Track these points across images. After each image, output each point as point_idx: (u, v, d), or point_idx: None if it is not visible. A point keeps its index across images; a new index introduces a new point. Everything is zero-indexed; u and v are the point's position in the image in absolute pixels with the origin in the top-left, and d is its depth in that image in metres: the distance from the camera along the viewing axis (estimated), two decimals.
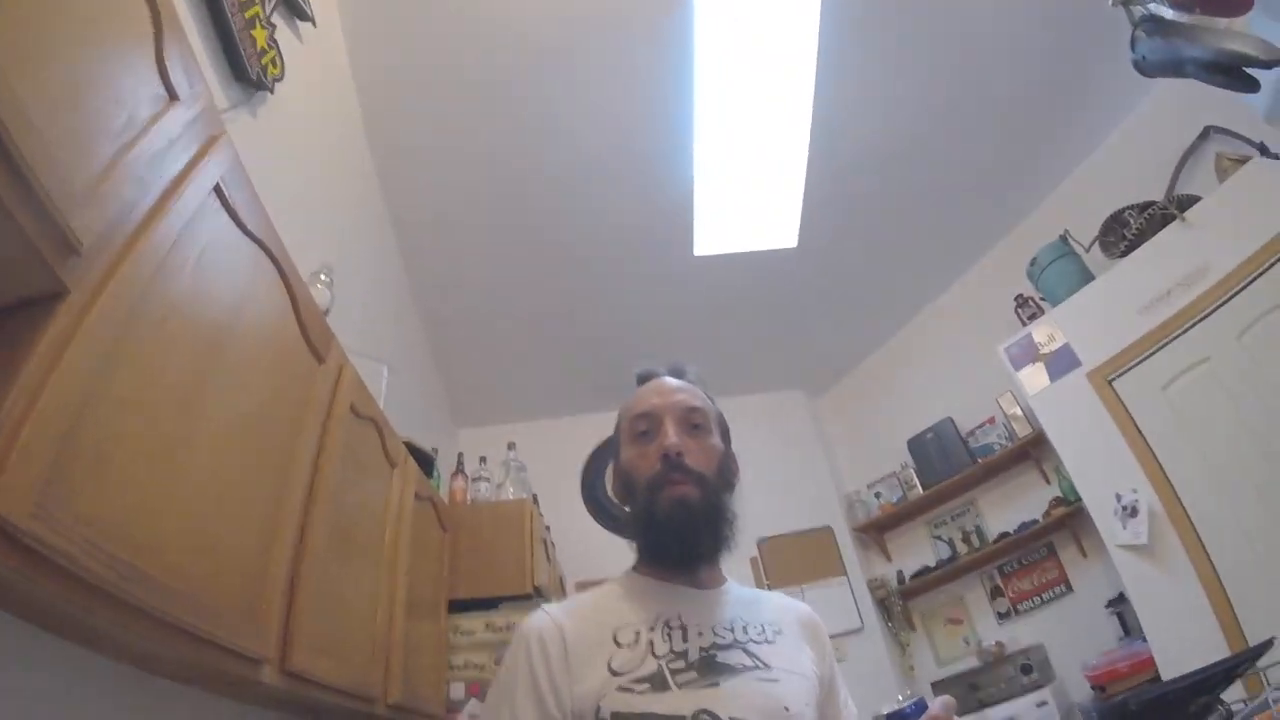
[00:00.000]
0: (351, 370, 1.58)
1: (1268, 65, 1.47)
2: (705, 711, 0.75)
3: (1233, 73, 1.54)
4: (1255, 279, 2.39)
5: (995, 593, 3.43)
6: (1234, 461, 2.36)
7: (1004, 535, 3.34)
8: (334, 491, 1.38)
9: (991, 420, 3.50)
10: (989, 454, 3.45)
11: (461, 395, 3.92)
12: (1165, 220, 2.68)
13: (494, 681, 0.85)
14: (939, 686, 3.23)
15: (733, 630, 0.86)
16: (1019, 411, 3.34)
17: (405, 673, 1.74)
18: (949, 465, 3.57)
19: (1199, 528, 2.38)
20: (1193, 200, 2.66)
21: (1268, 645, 1.44)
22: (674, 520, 0.86)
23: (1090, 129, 3.20)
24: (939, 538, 3.68)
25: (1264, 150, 2.49)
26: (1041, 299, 3.11)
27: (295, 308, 1.29)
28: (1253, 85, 1.58)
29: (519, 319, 3.59)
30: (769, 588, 3.39)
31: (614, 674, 0.77)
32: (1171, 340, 2.55)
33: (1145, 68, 1.71)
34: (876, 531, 3.94)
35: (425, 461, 2.28)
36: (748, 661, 0.83)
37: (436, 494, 2.35)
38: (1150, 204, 2.78)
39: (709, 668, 0.80)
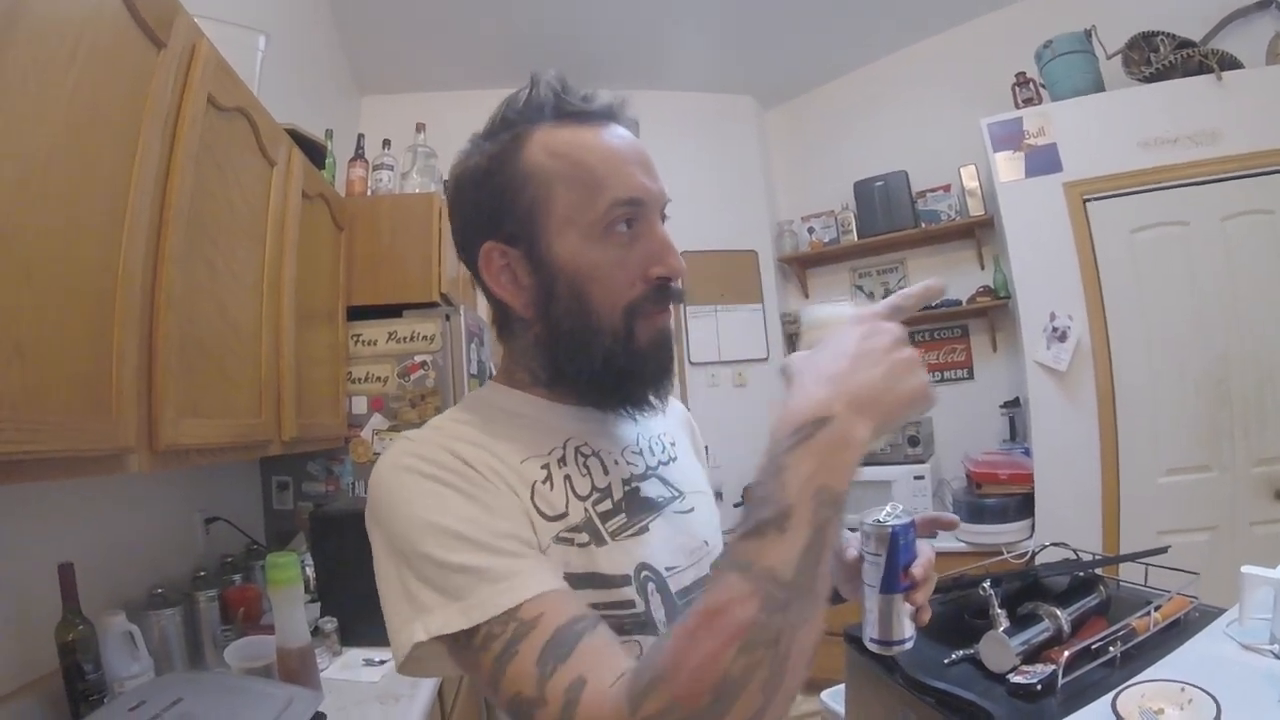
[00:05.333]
0: (209, 50, 1.20)
1: None
2: (645, 566, 0.64)
3: None
4: (1261, 173, 2.32)
5: None
6: (1170, 331, 2.43)
7: (924, 305, 3.36)
8: (190, 217, 1.14)
9: (947, 188, 3.33)
10: (934, 220, 3.35)
11: (366, 60, 3.28)
12: (1201, 68, 2.44)
13: (383, 550, 0.59)
14: None
15: (641, 453, 0.73)
16: (977, 188, 3.16)
17: (300, 402, 1.66)
18: (891, 219, 3.45)
19: (1116, 376, 2.48)
20: (1234, 63, 2.42)
21: (1161, 550, 1.45)
22: (651, 361, 0.67)
23: None
24: (860, 288, 3.70)
25: None
26: (1043, 86, 2.78)
27: None
28: None
29: None
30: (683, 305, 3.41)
31: (546, 518, 0.61)
32: (1160, 188, 2.46)
33: None
34: (800, 266, 3.89)
35: (315, 152, 1.99)
36: (665, 492, 0.71)
37: (330, 188, 2.09)
38: (1190, 43, 2.49)
39: (636, 506, 0.67)
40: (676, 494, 0.72)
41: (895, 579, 0.62)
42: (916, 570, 0.63)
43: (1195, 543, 2.28)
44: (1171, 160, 2.42)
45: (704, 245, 3.68)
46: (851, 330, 0.57)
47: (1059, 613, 1.22)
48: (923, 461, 3.03)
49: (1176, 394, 2.42)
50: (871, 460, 3.15)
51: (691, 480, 0.77)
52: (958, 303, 3.24)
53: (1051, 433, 2.56)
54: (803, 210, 3.86)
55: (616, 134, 0.66)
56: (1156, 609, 1.21)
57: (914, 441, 3.05)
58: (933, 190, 3.38)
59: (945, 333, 3.42)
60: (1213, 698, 0.96)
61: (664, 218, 0.68)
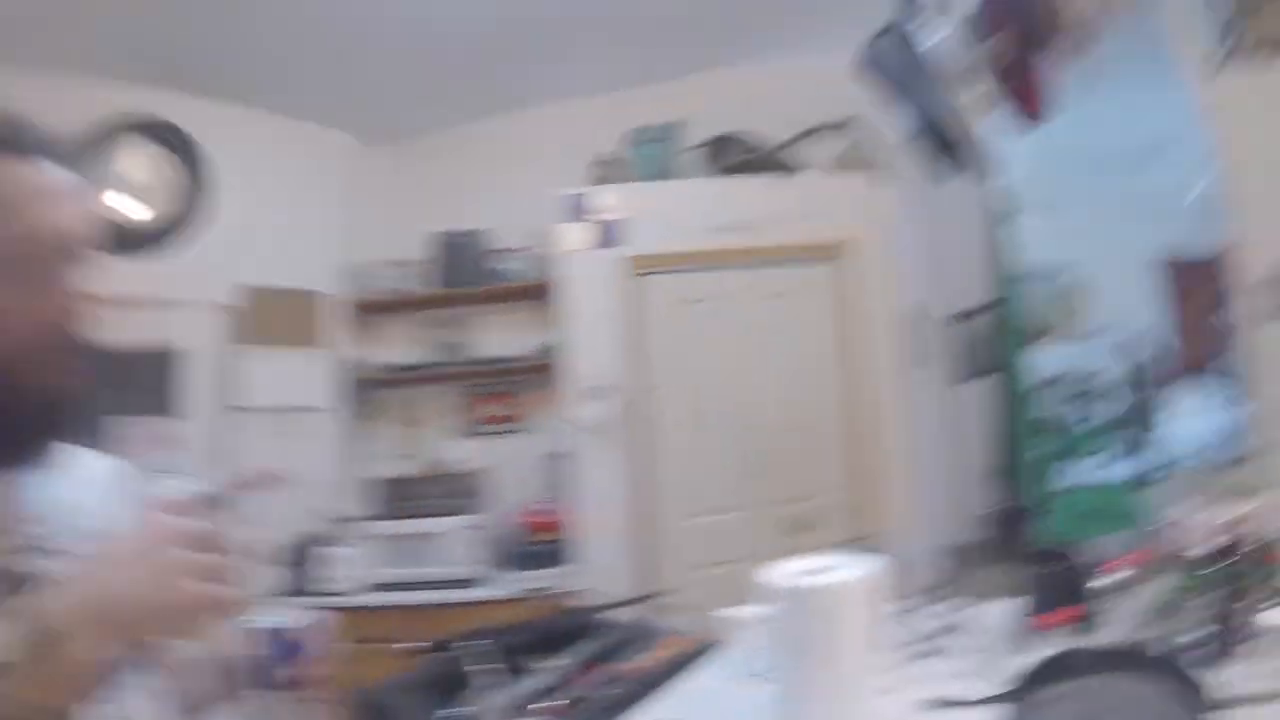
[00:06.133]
0: None
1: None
2: None
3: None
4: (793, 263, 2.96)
5: (463, 409, 3.58)
6: (708, 391, 2.87)
7: (492, 360, 3.46)
8: None
9: (522, 250, 3.48)
10: (505, 280, 3.47)
11: None
12: (775, 167, 2.96)
13: None
14: (378, 485, 3.35)
15: (41, 520, 0.60)
16: (549, 254, 3.32)
17: None
18: (466, 274, 3.48)
19: (656, 431, 2.84)
20: (802, 167, 3.01)
21: (662, 594, 1.61)
22: (43, 415, 0.59)
23: (760, 46, 3.14)
24: (428, 341, 3.64)
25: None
26: (626, 166, 3.13)
27: None
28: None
29: None
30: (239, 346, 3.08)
31: None
32: (722, 269, 2.92)
33: (874, 69, 1.55)
34: (368, 312, 3.68)
35: None
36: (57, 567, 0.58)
37: None
38: (767, 147, 3.01)
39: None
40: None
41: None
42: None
43: (718, 576, 2.60)
44: (725, 244, 2.87)
45: (266, 280, 3.31)
46: (140, 526, 0.53)
47: (560, 661, 1.24)
48: (477, 512, 3.06)
49: (711, 445, 2.84)
50: (422, 511, 3.08)
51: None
52: (521, 359, 3.37)
53: (594, 482, 2.79)
54: (379, 254, 3.68)
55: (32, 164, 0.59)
56: (656, 648, 1.30)
57: (467, 492, 3.09)
58: (510, 250, 3.51)
59: (506, 387, 3.53)
60: None
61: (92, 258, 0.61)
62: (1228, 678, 0.98)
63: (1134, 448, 6.50)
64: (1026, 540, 4.83)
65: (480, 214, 3.56)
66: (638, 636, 1.41)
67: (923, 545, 2.82)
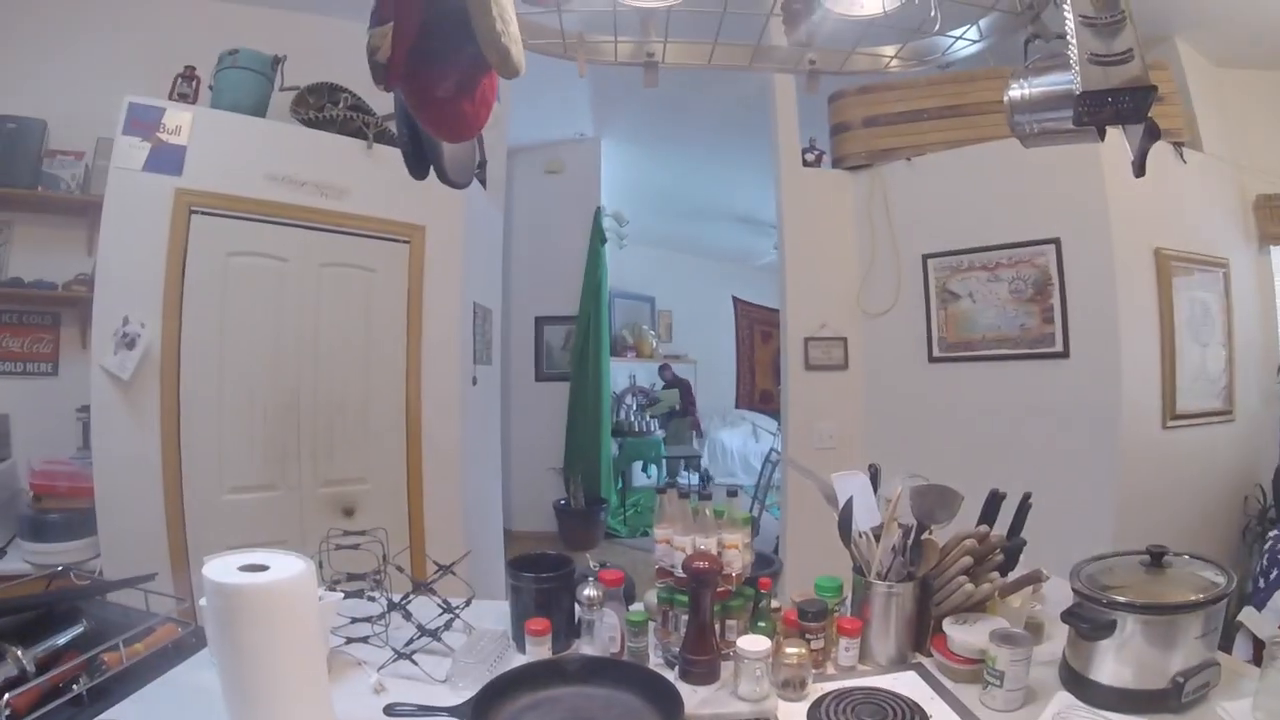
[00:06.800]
0: None
1: None
2: None
3: None
4: (373, 236, 2.84)
5: None
6: (247, 356, 2.60)
7: (18, 281, 2.80)
8: None
9: (80, 155, 2.87)
10: (54, 187, 2.84)
11: None
12: (359, 133, 2.81)
13: None
14: None
15: None
16: (106, 167, 2.77)
17: None
18: (9, 173, 2.78)
19: (183, 392, 2.47)
20: (390, 139, 2.82)
21: (149, 577, 1.41)
22: None
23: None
24: None
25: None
26: (210, 89, 2.70)
27: None
28: None
29: None
30: None
31: None
32: (271, 222, 2.63)
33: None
34: None
35: None
36: None
37: None
38: (365, 110, 2.85)
39: None
40: None
41: None
42: None
43: None
44: (293, 201, 2.62)
45: None
46: None
47: (19, 652, 1.08)
48: None
49: (246, 416, 2.56)
50: None
51: None
52: (54, 286, 2.81)
53: (114, 443, 2.37)
54: None
55: None
56: (132, 641, 1.20)
57: None
58: (65, 153, 2.87)
59: (35, 318, 2.89)
60: None
61: None
62: (706, 694, 1.15)
63: (688, 461, 7.85)
64: (592, 536, 5.50)
65: (43, 102, 2.89)
66: (129, 622, 1.30)
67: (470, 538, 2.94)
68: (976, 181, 3.07)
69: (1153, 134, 1.14)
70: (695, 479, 7.51)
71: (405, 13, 0.98)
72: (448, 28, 0.99)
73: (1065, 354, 2.84)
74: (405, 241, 2.89)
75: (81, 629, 1.23)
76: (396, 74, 0.99)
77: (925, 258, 3.19)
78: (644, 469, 7.52)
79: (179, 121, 2.48)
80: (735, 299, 9.87)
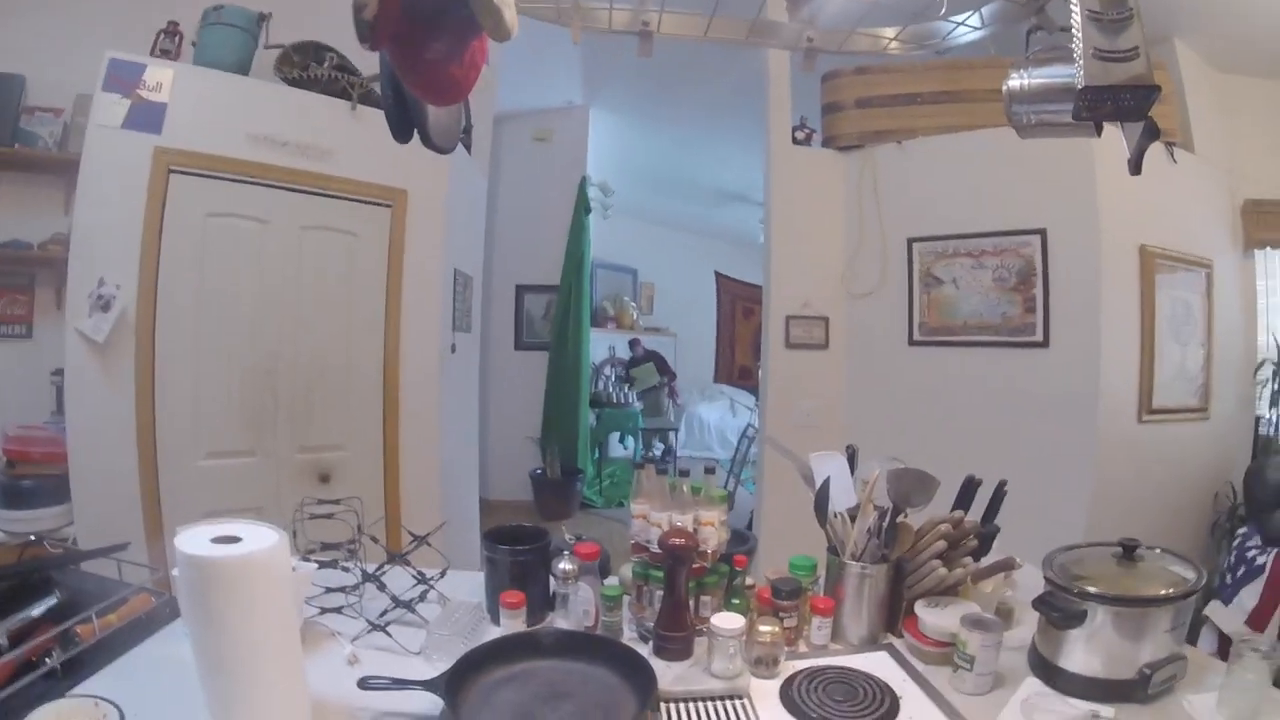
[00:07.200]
0: None
1: None
2: None
3: None
4: (357, 200, 2.78)
5: None
6: (225, 320, 2.54)
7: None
8: None
9: (58, 112, 2.79)
10: (32, 144, 2.76)
11: None
12: (344, 94, 2.72)
13: None
14: None
15: None
16: (85, 124, 2.73)
17: None
18: None
19: (158, 356, 2.43)
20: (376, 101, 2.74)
21: (122, 546, 1.38)
22: None
23: None
24: None
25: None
26: (180, 43, 2.61)
27: None
28: None
29: None
30: None
31: None
32: (252, 183, 2.56)
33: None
34: None
35: None
36: None
37: None
38: (350, 70, 2.74)
39: None
40: None
41: None
42: None
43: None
44: (274, 162, 2.56)
45: None
46: None
47: (7, 619, 1.07)
48: None
49: (223, 381, 2.52)
50: None
51: None
52: (30, 246, 2.74)
53: (88, 408, 2.33)
54: None
55: None
56: (105, 612, 1.18)
57: None
58: (44, 110, 2.79)
59: (9, 279, 2.82)
60: (118, 707, 0.99)
61: None
62: (680, 670, 1.16)
63: (662, 435, 7.90)
64: (568, 506, 5.52)
65: (24, 58, 2.80)
66: (103, 592, 1.28)
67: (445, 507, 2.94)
68: (966, 168, 3.07)
69: (1152, 133, 1.14)
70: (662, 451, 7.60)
71: None
72: None
73: (1045, 344, 2.87)
74: (388, 205, 2.84)
75: (55, 600, 1.21)
76: (383, 33, 0.96)
77: (911, 241, 3.20)
78: (621, 440, 7.54)
79: (160, 78, 2.40)
80: (718, 274, 9.84)
